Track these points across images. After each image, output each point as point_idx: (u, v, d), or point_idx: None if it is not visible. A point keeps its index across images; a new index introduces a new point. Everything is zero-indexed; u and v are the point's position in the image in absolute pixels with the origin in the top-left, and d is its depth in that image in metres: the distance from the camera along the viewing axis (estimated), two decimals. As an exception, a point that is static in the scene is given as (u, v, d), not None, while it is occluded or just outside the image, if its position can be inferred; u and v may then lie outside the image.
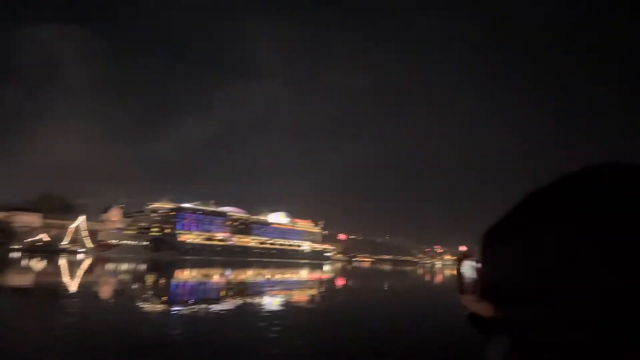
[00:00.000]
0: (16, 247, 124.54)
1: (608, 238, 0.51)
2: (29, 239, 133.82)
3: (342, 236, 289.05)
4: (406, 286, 46.90)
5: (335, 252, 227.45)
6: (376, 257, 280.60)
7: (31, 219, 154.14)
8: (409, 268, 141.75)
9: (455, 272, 0.81)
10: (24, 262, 58.27)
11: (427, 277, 71.42)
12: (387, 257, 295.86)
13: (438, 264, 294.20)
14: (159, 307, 19.43)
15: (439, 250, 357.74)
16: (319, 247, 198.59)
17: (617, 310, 0.49)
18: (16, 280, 32.93)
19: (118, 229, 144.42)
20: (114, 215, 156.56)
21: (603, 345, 0.49)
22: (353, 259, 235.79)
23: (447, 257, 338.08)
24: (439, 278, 70.09)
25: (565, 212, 0.54)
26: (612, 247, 0.50)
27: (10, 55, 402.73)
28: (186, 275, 47.74)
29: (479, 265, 0.63)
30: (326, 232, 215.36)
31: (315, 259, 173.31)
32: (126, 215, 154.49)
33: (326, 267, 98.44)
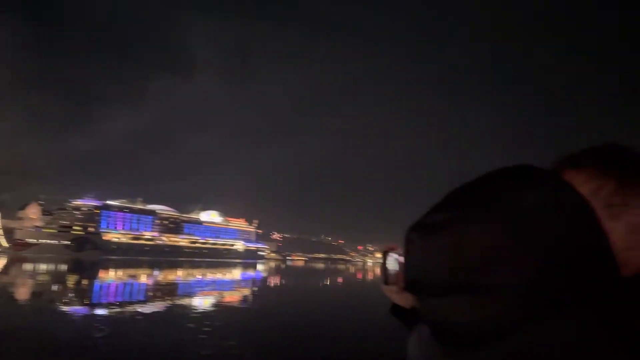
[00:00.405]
0: None
1: (522, 233, 0.56)
2: None
3: (276, 235, 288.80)
4: (336, 284, 47.81)
5: (269, 251, 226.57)
6: (310, 255, 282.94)
7: None
8: (342, 266, 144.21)
9: (380, 265, 0.81)
10: None
11: (358, 275, 73.13)
12: (321, 255, 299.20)
13: (370, 262, 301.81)
14: (81, 310, 18.52)
15: (370, 249, 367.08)
16: (252, 246, 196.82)
17: (535, 301, 0.54)
18: None
19: (37, 227, 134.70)
20: (33, 212, 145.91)
21: (521, 334, 0.53)
22: (287, 258, 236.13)
23: (378, 255, 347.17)
24: (369, 275, 71.98)
25: (483, 208, 0.58)
26: (528, 242, 0.55)
27: None
28: (111, 276, 45.69)
29: (403, 258, 0.65)
30: (260, 231, 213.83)
31: (249, 259, 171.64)
32: (46, 212, 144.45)
33: (260, 267, 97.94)
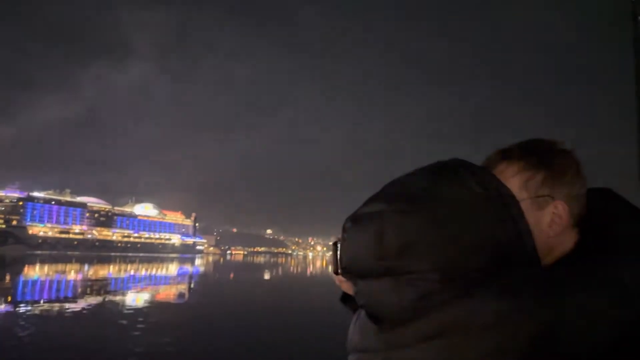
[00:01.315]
0: None
1: (441, 222, 0.64)
2: None
3: (215, 229, 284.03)
4: (274, 277, 48.01)
5: (208, 245, 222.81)
6: (250, 249, 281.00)
7: None
8: (282, 259, 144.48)
9: (330, 256, 0.88)
10: None
11: (298, 268, 73.67)
12: (261, 249, 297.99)
13: (310, 254, 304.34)
14: (3, 308, 17.50)
15: (311, 242, 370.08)
16: (190, 240, 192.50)
17: (451, 284, 0.62)
18: None
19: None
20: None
21: (436, 313, 0.62)
22: (227, 252, 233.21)
23: (319, 248, 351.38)
24: (308, 268, 72.79)
25: (406, 200, 0.66)
26: (446, 231, 0.63)
27: None
28: (37, 272, 43.21)
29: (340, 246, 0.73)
30: (198, 224, 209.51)
31: (186, 253, 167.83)
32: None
33: (197, 261, 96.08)
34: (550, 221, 0.80)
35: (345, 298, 1.00)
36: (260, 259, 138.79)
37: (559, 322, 0.60)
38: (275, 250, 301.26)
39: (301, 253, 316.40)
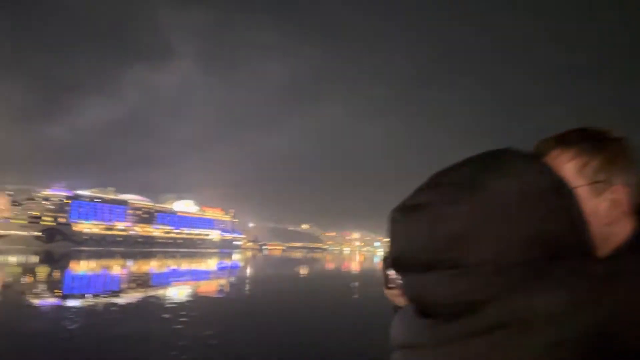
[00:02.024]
0: None
1: (494, 213, 0.61)
2: None
3: (252, 225, 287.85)
4: (311, 272, 48.10)
5: (246, 240, 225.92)
6: (287, 245, 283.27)
7: None
8: (319, 255, 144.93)
9: (380, 267, 0.86)
10: None
11: (335, 263, 73.66)
12: (298, 244, 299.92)
13: (347, 249, 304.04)
14: (53, 302, 18.21)
15: (347, 237, 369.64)
16: (228, 235, 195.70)
17: (506, 277, 0.59)
18: None
19: (5, 218, 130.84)
20: (1, 203, 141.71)
21: (491, 307, 0.59)
22: (263, 248, 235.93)
23: (356, 243, 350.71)
24: (346, 263, 72.64)
25: (458, 190, 0.63)
26: (499, 222, 0.60)
27: None
28: (83, 267, 44.89)
29: (389, 240, 0.69)
30: (236, 220, 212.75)
31: (225, 248, 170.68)
32: (15, 203, 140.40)
33: (235, 256, 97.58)
34: (608, 207, 0.78)
35: (398, 310, 0.96)
36: (297, 254, 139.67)
37: (615, 316, 0.58)
38: (312, 246, 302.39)
39: (337, 248, 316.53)
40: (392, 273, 0.86)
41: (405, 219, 0.65)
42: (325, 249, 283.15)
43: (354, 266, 66.03)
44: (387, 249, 0.73)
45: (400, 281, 0.69)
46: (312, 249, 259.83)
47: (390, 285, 0.84)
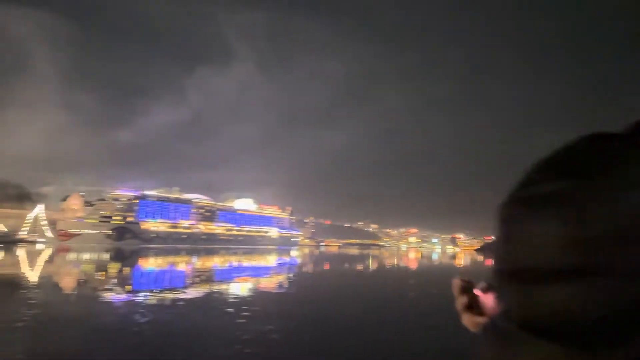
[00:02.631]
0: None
1: None
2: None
3: (309, 222, 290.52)
4: (368, 268, 47.78)
5: (303, 237, 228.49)
6: (343, 241, 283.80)
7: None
8: (376, 251, 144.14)
9: (457, 286, 0.75)
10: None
11: (392, 259, 72.84)
12: (354, 241, 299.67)
13: (403, 246, 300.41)
14: (124, 296, 19.14)
15: (405, 233, 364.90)
16: (286, 232, 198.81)
17: None
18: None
19: (79, 217, 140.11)
20: (74, 203, 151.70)
21: None
22: (320, 244, 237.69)
23: (413, 239, 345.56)
24: (404, 260, 71.69)
25: (608, 176, 0.46)
26: None
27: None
28: (151, 263, 47.06)
29: (495, 248, 0.51)
30: (294, 217, 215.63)
31: (283, 245, 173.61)
32: (87, 203, 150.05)
33: (294, 253, 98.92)
34: None
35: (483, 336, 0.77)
36: (354, 251, 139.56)
37: None
38: (368, 242, 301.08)
39: (394, 245, 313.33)
40: (480, 293, 0.74)
41: (533, 215, 0.47)
42: (382, 246, 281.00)
43: (411, 263, 64.99)
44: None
45: (502, 299, 0.50)
46: (368, 246, 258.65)
47: (474, 309, 0.73)
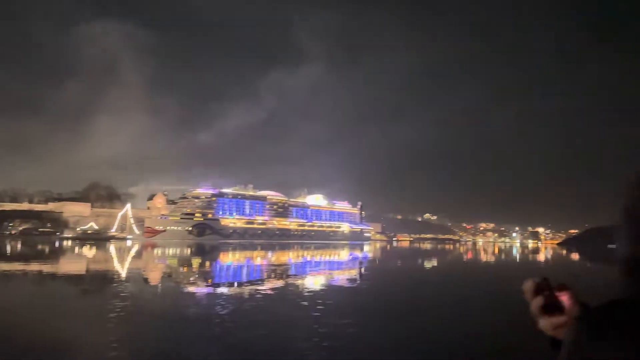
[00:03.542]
0: (67, 235, 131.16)
1: None
2: (80, 228, 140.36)
3: (381, 216, 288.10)
4: (441, 264, 46.53)
5: (375, 232, 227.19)
6: (416, 236, 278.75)
7: (81, 209, 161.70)
8: (449, 246, 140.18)
9: (530, 289, 0.68)
10: (76, 250, 61.26)
11: (467, 255, 70.36)
12: (427, 236, 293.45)
13: (480, 241, 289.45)
14: (205, 289, 20.12)
15: (481, 228, 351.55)
16: (357, 227, 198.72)
17: None
18: (71, 267, 34.77)
19: (163, 215, 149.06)
20: (159, 202, 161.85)
21: None
22: (392, 239, 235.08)
23: (489, 234, 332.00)
24: (482, 255, 69.05)
25: None
26: None
27: (67, 52, 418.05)
28: (230, 258, 48.97)
29: (619, 242, 0.45)
30: (364, 212, 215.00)
31: (355, 240, 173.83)
32: (170, 202, 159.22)
33: (366, 248, 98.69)
34: None
35: (555, 342, 0.78)
36: (427, 246, 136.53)
37: None
38: (442, 237, 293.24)
39: (470, 239, 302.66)
40: (563, 295, 0.70)
41: None
42: (456, 240, 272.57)
43: (488, 258, 62.43)
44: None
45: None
46: (442, 240, 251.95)
47: (552, 311, 0.69)
